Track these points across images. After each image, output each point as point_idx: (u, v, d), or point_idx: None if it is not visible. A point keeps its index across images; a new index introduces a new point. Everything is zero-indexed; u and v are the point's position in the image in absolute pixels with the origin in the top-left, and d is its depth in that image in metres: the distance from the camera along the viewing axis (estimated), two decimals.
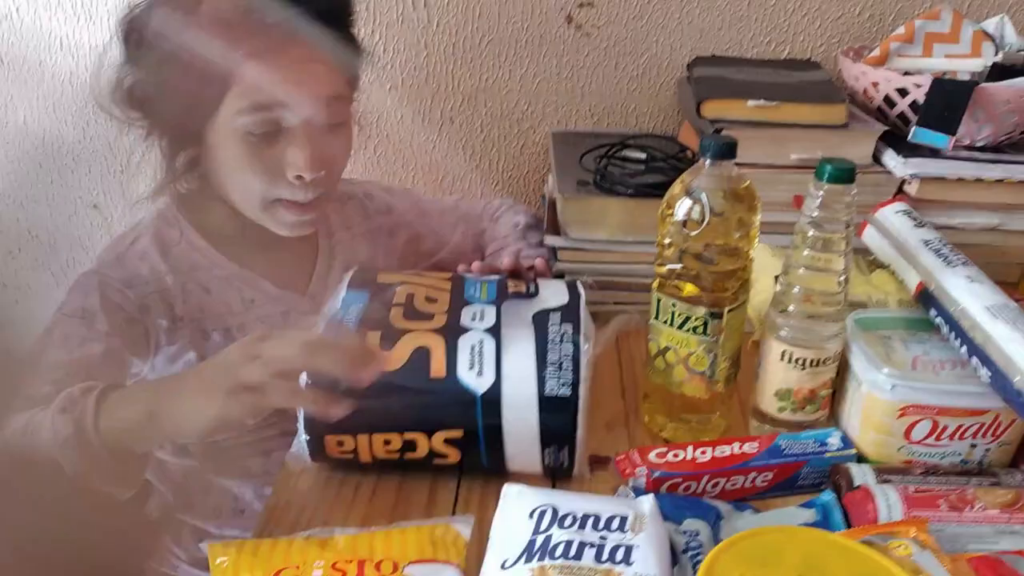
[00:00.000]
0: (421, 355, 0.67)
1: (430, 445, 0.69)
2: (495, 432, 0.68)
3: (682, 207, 0.69)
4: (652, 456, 0.71)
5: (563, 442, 0.69)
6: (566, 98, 1.20)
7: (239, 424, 0.62)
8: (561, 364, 0.68)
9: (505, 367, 0.67)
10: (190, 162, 0.83)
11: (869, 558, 0.52)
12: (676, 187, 0.71)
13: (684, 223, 0.69)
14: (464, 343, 0.68)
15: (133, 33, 0.78)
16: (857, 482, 0.67)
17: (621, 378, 0.89)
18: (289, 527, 0.67)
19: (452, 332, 0.69)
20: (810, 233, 0.69)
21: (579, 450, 0.70)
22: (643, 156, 1.03)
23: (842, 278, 0.70)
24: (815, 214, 0.69)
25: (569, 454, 0.70)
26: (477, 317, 0.71)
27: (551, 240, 0.97)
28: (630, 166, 1.02)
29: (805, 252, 0.70)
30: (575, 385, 0.67)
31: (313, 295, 0.91)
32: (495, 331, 0.69)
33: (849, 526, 0.64)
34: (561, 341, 0.69)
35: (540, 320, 0.71)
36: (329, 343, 0.63)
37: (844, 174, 0.67)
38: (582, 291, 0.77)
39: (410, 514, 0.69)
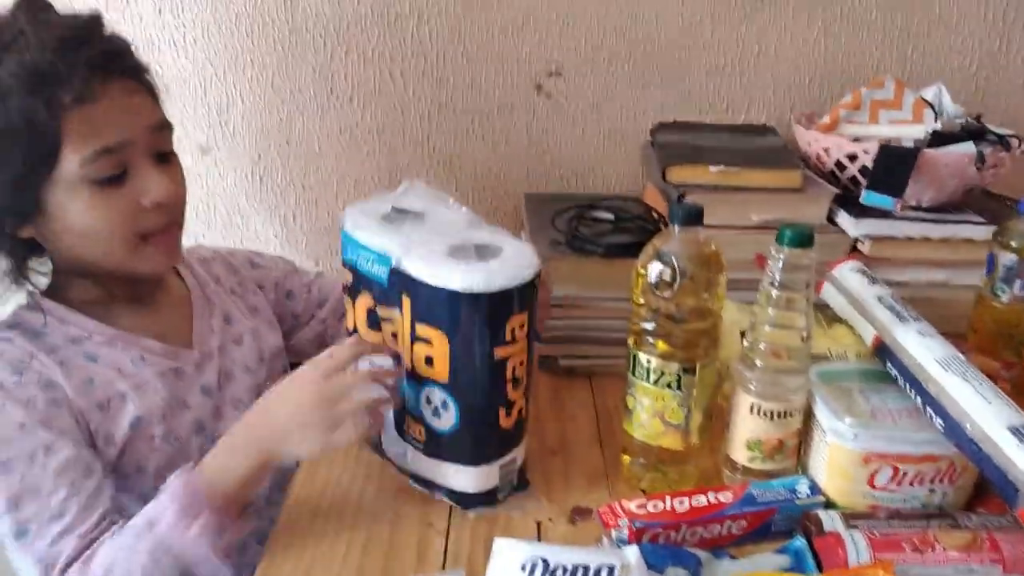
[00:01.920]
0: None
1: None
2: None
3: (654, 270, 0.74)
4: (633, 507, 0.74)
5: None
6: (536, 161, 1.25)
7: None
8: None
9: None
10: (32, 244, 0.81)
11: None
12: (648, 250, 0.76)
13: (656, 285, 0.74)
14: None
15: None
16: (827, 527, 0.71)
17: (599, 432, 0.92)
18: None
19: None
20: (773, 294, 0.74)
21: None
22: (611, 217, 1.08)
23: (804, 334, 0.75)
24: (777, 276, 0.74)
25: None
26: None
27: None
28: (599, 226, 1.07)
29: (769, 311, 0.75)
30: None
31: (199, 346, 0.90)
32: None
33: (820, 570, 0.68)
34: None
35: None
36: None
37: (803, 239, 0.72)
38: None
39: (402, 569, 0.72)
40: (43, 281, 0.85)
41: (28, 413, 0.76)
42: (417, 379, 0.76)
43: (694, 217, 0.74)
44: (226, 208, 1.28)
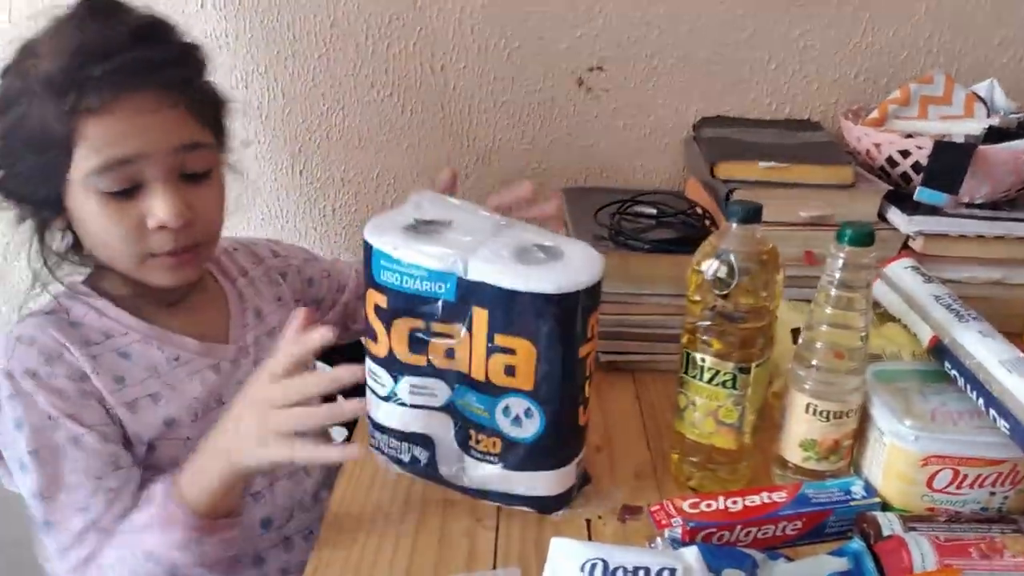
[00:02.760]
0: None
1: None
2: None
3: (712, 268, 0.73)
4: (686, 506, 0.73)
5: None
6: (576, 156, 1.24)
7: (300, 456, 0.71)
8: None
9: None
10: (63, 237, 0.82)
11: None
12: (705, 248, 0.75)
13: (714, 283, 0.73)
14: None
15: None
16: (885, 530, 0.70)
17: (644, 428, 0.91)
18: None
19: None
20: (832, 292, 0.73)
21: None
22: (654, 212, 1.07)
23: (863, 334, 0.74)
24: (836, 275, 0.73)
25: None
26: None
27: None
28: (642, 221, 1.06)
29: (827, 310, 0.74)
30: None
31: (236, 341, 0.90)
32: None
33: (881, 574, 0.67)
34: None
35: None
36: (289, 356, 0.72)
37: (864, 237, 0.71)
38: None
39: (453, 566, 0.71)
40: (80, 269, 0.85)
41: (58, 404, 0.76)
42: (492, 391, 0.74)
43: (753, 215, 0.72)
44: (265, 202, 1.28)
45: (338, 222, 1.30)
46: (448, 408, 0.77)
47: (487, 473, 0.77)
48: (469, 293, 0.72)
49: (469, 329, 0.73)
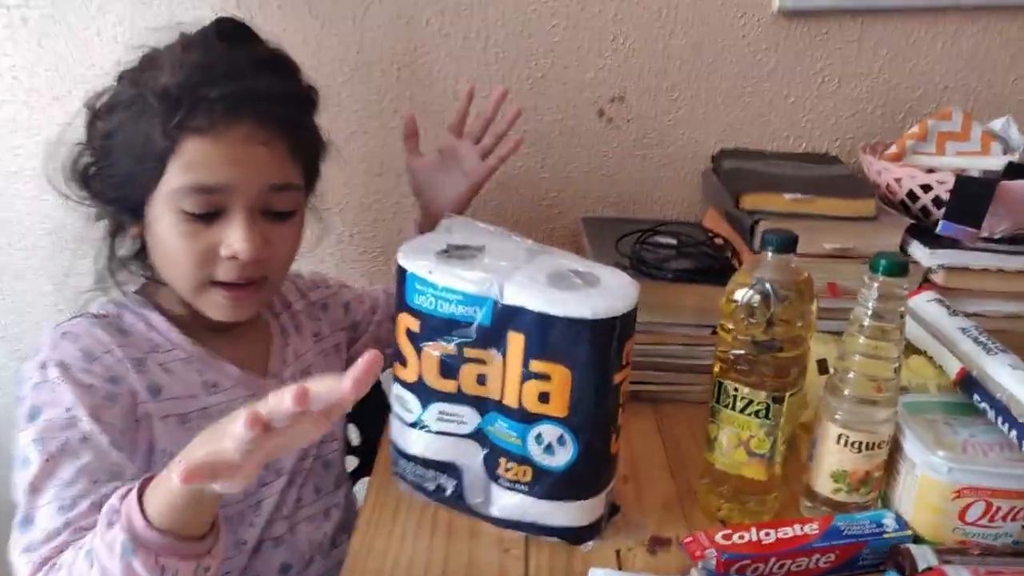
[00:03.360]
0: None
1: None
2: None
3: (748, 297, 0.73)
4: (719, 538, 0.73)
5: None
6: (595, 186, 1.25)
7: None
8: None
9: None
10: (132, 244, 0.82)
11: None
12: (739, 277, 0.75)
13: (750, 312, 0.73)
14: None
15: (96, 113, 0.79)
16: (920, 563, 0.69)
17: (668, 459, 0.91)
18: None
19: None
20: (866, 323, 0.73)
21: None
22: (674, 242, 1.07)
23: (896, 365, 0.74)
24: (871, 305, 0.73)
25: None
26: None
27: None
28: (662, 251, 1.06)
29: (861, 340, 0.74)
30: None
31: (275, 375, 0.89)
32: None
33: None
34: None
35: None
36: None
37: (898, 268, 0.72)
38: None
39: None
40: (137, 281, 0.85)
41: (81, 398, 0.73)
42: (525, 418, 0.73)
43: (789, 244, 0.73)
44: None
45: (355, 248, 1.30)
46: (476, 435, 0.77)
47: (516, 502, 0.77)
48: (505, 318, 0.72)
49: (503, 354, 0.73)
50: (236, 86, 0.74)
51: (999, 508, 0.72)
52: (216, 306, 0.80)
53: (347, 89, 1.20)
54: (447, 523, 0.80)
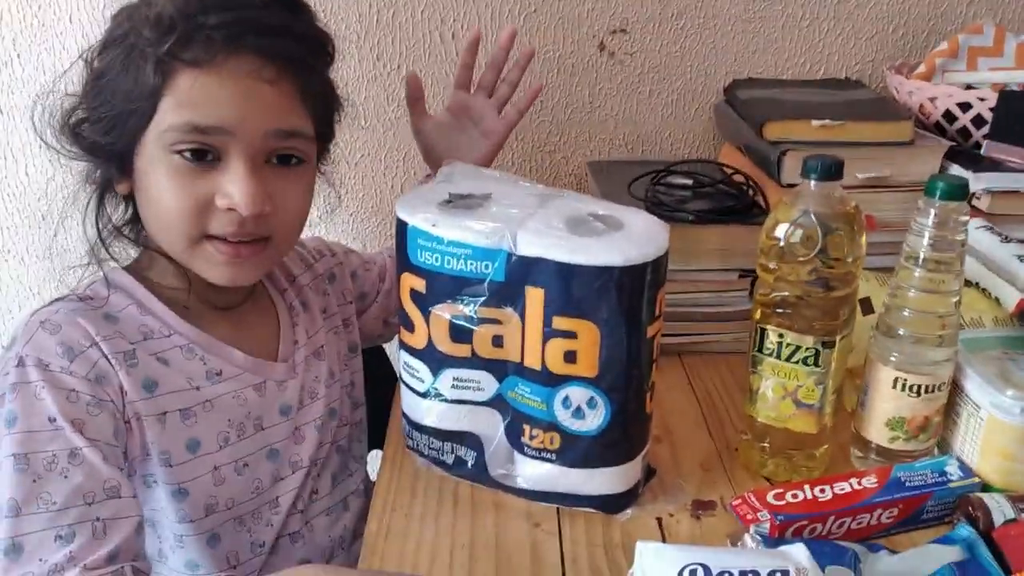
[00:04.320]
0: None
1: None
2: None
3: (791, 232, 0.66)
4: (771, 498, 0.66)
5: None
6: (599, 127, 1.17)
7: None
8: None
9: None
10: (122, 207, 0.73)
11: None
12: (780, 211, 0.68)
13: (795, 248, 0.66)
14: None
15: (89, 61, 0.70)
16: (995, 514, 0.64)
17: (704, 415, 0.84)
18: None
19: None
20: (923, 254, 0.66)
21: None
22: (690, 182, 1.00)
23: (956, 299, 0.67)
24: (927, 233, 0.66)
25: None
26: None
27: None
28: (677, 192, 0.98)
29: (917, 273, 0.67)
30: None
31: (286, 359, 0.79)
32: None
33: (1000, 560, 0.60)
34: None
35: None
36: None
37: (957, 191, 0.65)
38: None
39: None
40: (131, 252, 0.75)
41: (64, 407, 0.64)
42: (550, 380, 0.66)
43: (835, 170, 0.65)
44: None
45: (344, 209, 1.21)
46: (496, 402, 0.70)
47: (543, 472, 0.70)
48: (521, 271, 0.64)
49: (521, 313, 0.66)
50: (239, 13, 0.65)
51: None
52: (212, 264, 0.70)
53: None
54: (469, 498, 0.73)
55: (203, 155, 0.66)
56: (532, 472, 0.71)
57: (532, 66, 1.11)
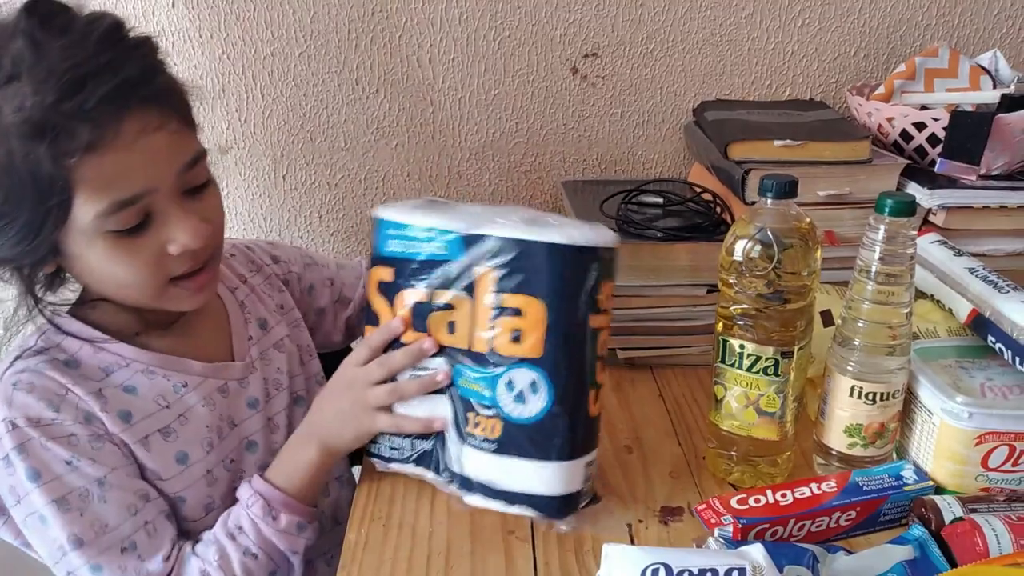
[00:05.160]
0: None
1: None
2: None
3: (748, 248, 0.69)
4: (734, 503, 0.69)
5: None
6: (573, 148, 1.20)
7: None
8: None
9: None
10: (54, 277, 0.73)
11: None
12: (738, 228, 0.71)
13: (752, 263, 0.69)
14: None
15: None
16: (946, 514, 0.66)
17: (673, 425, 0.87)
18: None
19: None
20: (874, 268, 0.69)
21: None
22: (660, 200, 1.03)
23: (907, 310, 0.71)
24: (878, 248, 0.69)
25: None
26: None
27: None
28: (648, 211, 1.02)
29: (870, 286, 0.70)
30: None
31: (241, 357, 0.83)
32: None
33: (950, 560, 0.63)
34: None
35: None
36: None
37: (906, 207, 0.68)
38: None
39: None
40: (69, 296, 0.76)
41: (73, 449, 0.70)
42: (496, 363, 0.68)
43: (789, 189, 0.69)
44: (247, 211, 1.22)
45: (325, 228, 1.24)
46: (449, 391, 0.72)
47: (484, 463, 0.70)
48: (476, 252, 0.69)
49: (472, 294, 0.69)
50: (101, 84, 0.62)
51: (1023, 451, 0.69)
52: (183, 300, 0.75)
53: (303, 62, 1.14)
54: (446, 507, 0.75)
55: (139, 225, 0.68)
56: (475, 464, 0.71)
57: (508, 89, 1.16)
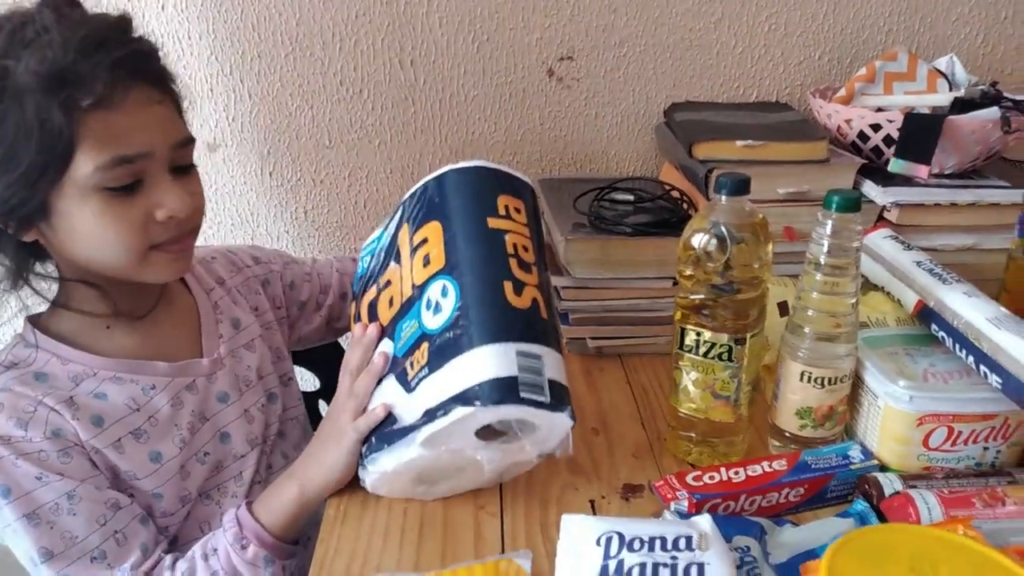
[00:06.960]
0: None
1: None
2: None
3: (704, 241, 0.74)
4: (689, 479, 0.73)
5: None
6: (549, 147, 1.25)
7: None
8: None
9: None
10: (36, 249, 0.76)
11: (977, 551, 0.55)
12: (695, 223, 0.75)
13: (707, 256, 0.73)
14: None
15: None
16: (887, 490, 0.71)
17: (639, 410, 0.92)
18: None
19: None
20: (822, 260, 0.74)
21: None
22: (631, 198, 1.07)
23: (853, 300, 0.75)
24: (825, 242, 0.74)
25: None
26: None
27: (555, 280, 1.00)
28: (620, 207, 1.06)
29: (818, 277, 0.74)
30: None
31: (209, 354, 0.86)
32: None
33: None
34: None
35: None
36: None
37: (851, 203, 0.72)
38: None
39: (461, 556, 0.70)
40: (46, 291, 0.79)
41: (43, 465, 0.73)
42: (418, 295, 0.74)
43: (742, 187, 0.73)
44: (235, 206, 1.26)
45: (311, 224, 1.28)
46: (393, 363, 0.76)
47: (427, 389, 0.69)
48: (394, 222, 0.80)
49: (399, 260, 0.78)
50: (115, 51, 0.70)
51: (960, 432, 0.74)
52: (163, 268, 0.78)
53: (289, 63, 1.18)
54: None
55: (131, 186, 0.73)
56: (423, 397, 0.69)
57: (486, 91, 1.20)
